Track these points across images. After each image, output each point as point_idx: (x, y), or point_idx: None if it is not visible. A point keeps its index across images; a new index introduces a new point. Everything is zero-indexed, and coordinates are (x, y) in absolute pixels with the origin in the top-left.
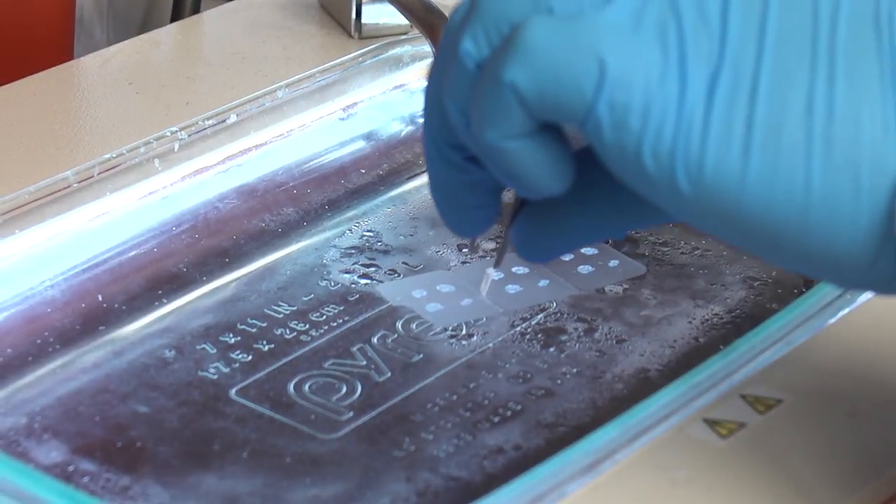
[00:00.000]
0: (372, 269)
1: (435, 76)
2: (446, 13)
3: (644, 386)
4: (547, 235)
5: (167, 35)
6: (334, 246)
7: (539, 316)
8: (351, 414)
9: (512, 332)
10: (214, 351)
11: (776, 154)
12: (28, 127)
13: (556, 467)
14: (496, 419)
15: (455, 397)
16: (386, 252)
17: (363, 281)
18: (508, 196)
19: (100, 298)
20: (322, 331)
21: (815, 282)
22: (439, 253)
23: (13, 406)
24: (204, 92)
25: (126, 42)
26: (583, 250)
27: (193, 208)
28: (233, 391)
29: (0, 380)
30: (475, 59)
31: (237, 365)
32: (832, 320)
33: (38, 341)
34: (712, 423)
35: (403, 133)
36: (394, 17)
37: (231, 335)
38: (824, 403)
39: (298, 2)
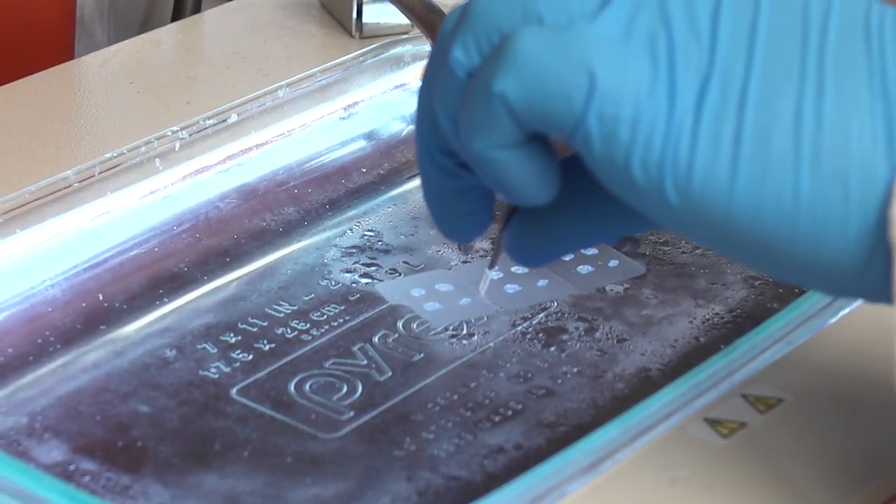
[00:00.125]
0: (373, 268)
1: (426, 82)
2: (447, 12)
3: (645, 385)
4: (539, 240)
5: (168, 34)
6: (335, 245)
7: (540, 315)
8: (352, 413)
9: (513, 331)
10: (215, 350)
11: (765, 164)
12: (29, 126)
13: (556, 467)
14: (497, 418)
15: (456, 397)
16: (387, 251)
17: (364, 280)
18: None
19: (101, 298)
20: (323, 330)
21: None
22: (440, 252)
23: (14, 405)
24: (205, 91)
25: (127, 41)
26: (583, 250)
27: (194, 208)
28: (234, 391)
29: (1, 379)
30: (465, 68)
31: (238, 364)
32: (833, 320)
33: (39, 341)
34: (713, 423)
35: (404, 132)
36: (395, 16)
37: (232, 335)
38: (825, 403)
39: (299, 1)
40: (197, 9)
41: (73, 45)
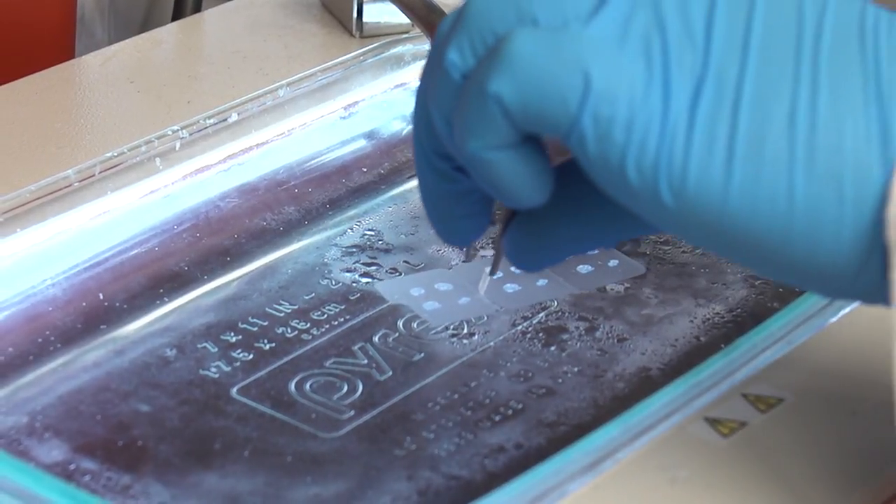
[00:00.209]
0: (373, 267)
1: (423, 85)
2: (448, 12)
3: (645, 385)
4: (537, 245)
5: (168, 34)
6: (335, 245)
7: (540, 315)
8: (352, 413)
9: (513, 330)
10: (216, 350)
11: (759, 165)
12: (29, 126)
13: (557, 466)
14: (497, 418)
15: (456, 396)
16: (387, 251)
17: (364, 280)
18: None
19: (101, 297)
20: (323, 329)
21: None
22: (440, 252)
23: (14, 405)
24: (205, 90)
25: (127, 41)
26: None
27: (195, 207)
28: (234, 390)
29: (1, 378)
30: (461, 70)
31: (238, 364)
32: (834, 319)
33: (40, 340)
34: (713, 422)
35: (404, 132)
36: (395, 15)
37: (232, 334)
38: (826, 402)
39: (300, 0)
40: (197, 8)
41: (74, 44)
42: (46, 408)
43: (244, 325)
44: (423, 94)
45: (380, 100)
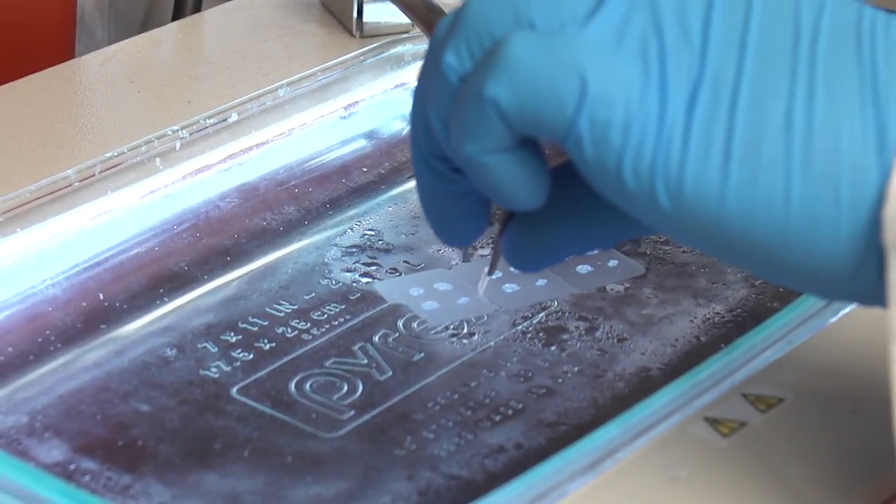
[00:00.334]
0: (373, 267)
1: (420, 87)
2: (448, 12)
3: (645, 385)
4: (535, 246)
5: (168, 34)
6: (335, 244)
7: (540, 315)
8: (352, 413)
9: (513, 330)
10: (216, 350)
11: (756, 168)
12: (29, 126)
13: (557, 466)
14: (497, 418)
15: (456, 396)
16: (387, 251)
17: (364, 280)
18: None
19: (101, 297)
20: (323, 329)
21: None
22: (440, 252)
23: (14, 405)
24: (205, 90)
25: (127, 41)
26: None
27: (195, 207)
28: (234, 390)
29: (1, 378)
30: (457, 73)
31: (238, 364)
32: (834, 319)
33: (40, 340)
34: (713, 422)
35: (405, 132)
36: (395, 15)
37: (232, 334)
38: (826, 402)
39: (300, 0)
40: (197, 8)
41: (74, 44)
42: (46, 408)
43: (244, 325)
44: (420, 96)
45: (380, 100)
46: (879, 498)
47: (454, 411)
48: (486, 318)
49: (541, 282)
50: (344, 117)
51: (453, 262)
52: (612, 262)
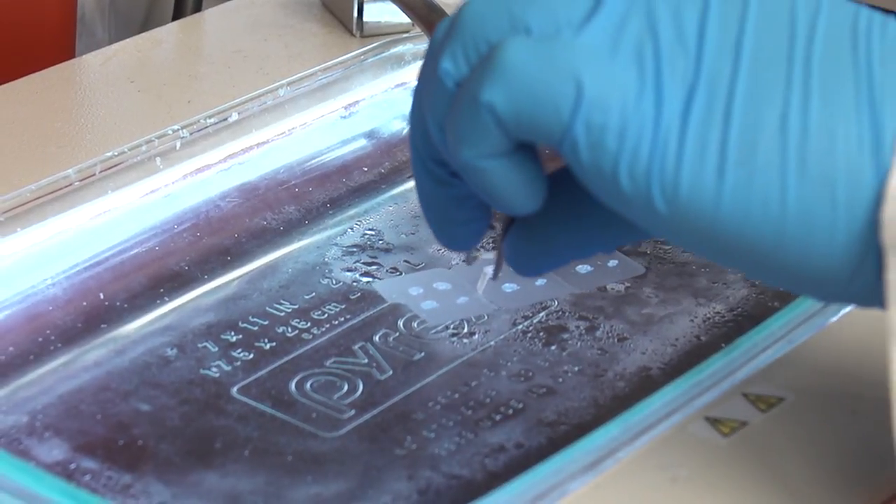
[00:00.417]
0: (373, 267)
1: (418, 92)
2: (448, 11)
3: (646, 384)
4: (536, 250)
5: (169, 33)
6: (336, 244)
7: (541, 314)
8: (352, 412)
9: (513, 330)
10: (216, 349)
11: (751, 171)
12: (30, 125)
13: (557, 466)
14: (498, 417)
15: (456, 395)
16: (387, 250)
17: (365, 279)
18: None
19: (101, 297)
20: (323, 329)
21: None
22: (441, 251)
23: (15, 404)
24: (205, 90)
25: (127, 40)
26: None
27: (195, 206)
28: (234, 389)
29: (1, 378)
30: (454, 78)
31: (239, 363)
32: (834, 318)
33: (40, 339)
34: (714, 422)
35: (405, 131)
36: (395, 15)
37: (232, 333)
38: (826, 402)
39: (300, 0)
40: (198, 7)
41: (74, 43)
42: (47, 407)
43: (244, 325)
44: (418, 100)
45: (380, 99)
46: (879, 498)
47: (454, 411)
48: (486, 317)
49: (541, 282)
50: (344, 117)
51: (453, 262)
52: (612, 262)
